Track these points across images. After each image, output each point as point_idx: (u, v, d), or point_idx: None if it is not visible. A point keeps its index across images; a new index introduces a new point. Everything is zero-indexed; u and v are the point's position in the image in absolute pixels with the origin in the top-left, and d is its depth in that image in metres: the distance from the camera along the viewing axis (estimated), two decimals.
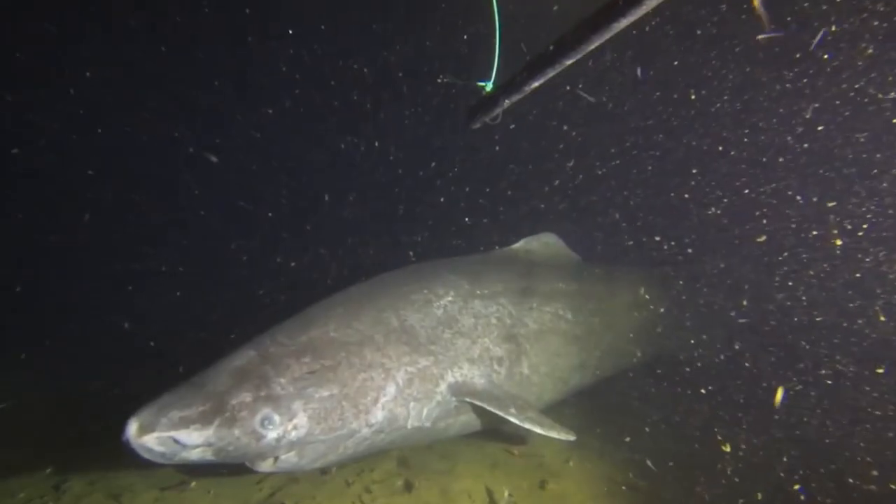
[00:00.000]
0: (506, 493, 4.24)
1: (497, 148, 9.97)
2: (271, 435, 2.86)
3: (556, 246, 4.63)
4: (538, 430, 3.42)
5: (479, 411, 3.55)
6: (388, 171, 10.86)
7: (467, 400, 3.38)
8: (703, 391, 5.71)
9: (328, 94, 10.79)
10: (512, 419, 3.35)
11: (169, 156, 10.69)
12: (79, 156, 10.15)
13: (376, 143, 10.66)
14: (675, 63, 8.39)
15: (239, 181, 11.29)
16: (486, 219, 9.80)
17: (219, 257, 9.98)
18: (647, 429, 5.70)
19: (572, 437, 3.51)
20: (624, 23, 2.13)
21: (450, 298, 3.63)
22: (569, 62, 2.50)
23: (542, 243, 4.56)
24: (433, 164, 10.66)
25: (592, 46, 2.33)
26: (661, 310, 5.31)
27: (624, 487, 4.67)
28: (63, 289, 8.38)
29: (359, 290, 3.63)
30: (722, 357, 5.92)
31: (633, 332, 4.85)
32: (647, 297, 5.20)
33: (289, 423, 2.90)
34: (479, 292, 3.75)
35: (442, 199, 10.10)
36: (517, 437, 5.21)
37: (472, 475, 4.36)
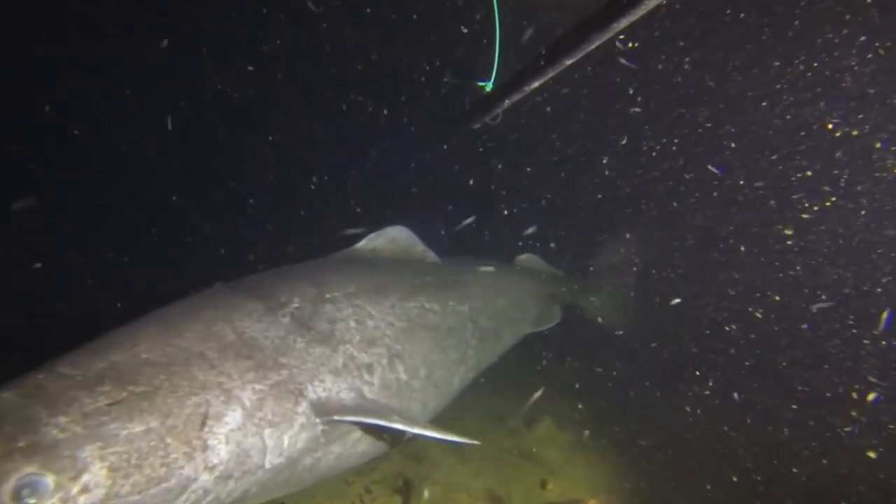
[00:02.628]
0: (507, 493, 4.24)
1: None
2: None
3: (407, 240, 4.11)
4: (433, 434, 2.79)
5: (355, 438, 2.88)
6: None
7: (336, 419, 2.66)
8: None
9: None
10: (399, 427, 2.72)
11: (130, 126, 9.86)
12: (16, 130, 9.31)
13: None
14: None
15: (217, 157, 10.51)
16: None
17: (187, 248, 9.23)
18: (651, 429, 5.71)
19: (476, 443, 2.94)
20: (624, 22, 2.13)
21: (296, 305, 2.98)
22: (569, 62, 2.50)
23: (389, 238, 4.03)
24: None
25: (592, 46, 2.33)
26: (531, 293, 4.97)
27: (624, 487, 4.68)
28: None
29: (175, 307, 2.89)
30: None
31: (504, 317, 4.40)
32: (514, 281, 4.85)
33: (73, 483, 1.89)
34: (328, 296, 3.15)
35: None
36: (515, 438, 5.22)
37: (472, 474, 4.37)
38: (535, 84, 2.83)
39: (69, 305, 6.95)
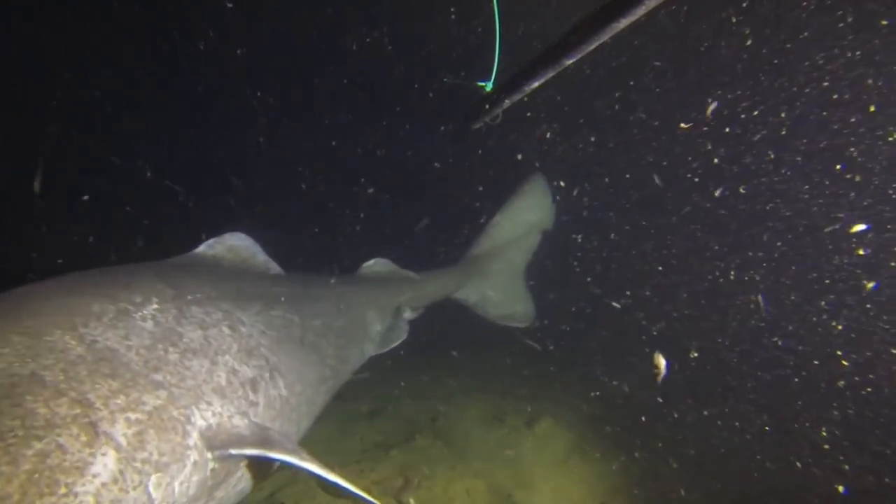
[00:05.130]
0: (506, 493, 4.24)
1: None
2: None
3: (248, 249, 3.71)
4: (347, 484, 2.26)
5: (238, 476, 2.32)
6: None
7: (234, 453, 2.07)
8: None
9: None
10: (314, 470, 2.19)
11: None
12: None
13: None
14: None
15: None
16: None
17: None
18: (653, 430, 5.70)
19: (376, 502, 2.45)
20: (624, 23, 2.13)
21: (155, 306, 2.36)
22: (568, 62, 2.49)
23: (229, 246, 3.62)
24: None
25: (592, 47, 2.32)
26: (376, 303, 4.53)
27: (624, 486, 4.67)
28: None
29: None
30: None
31: (351, 333, 4.08)
32: (356, 297, 4.38)
33: None
34: (190, 297, 2.60)
35: None
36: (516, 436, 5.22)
37: (472, 474, 4.37)
38: (536, 84, 2.83)
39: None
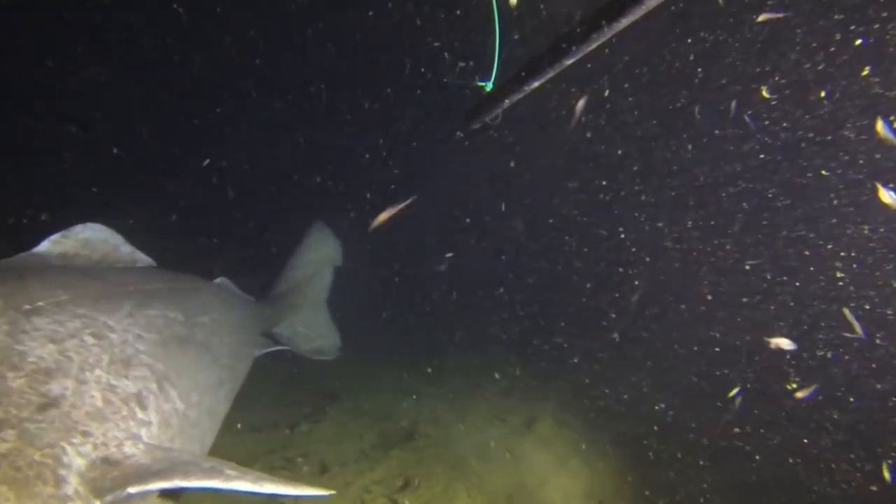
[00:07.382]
0: (506, 493, 4.24)
1: None
2: None
3: (107, 242, 3.27)
4: (288, 490, 1.76)
5: None
6: None
7: (135, 492, 1.66)
8: None
9: None
10: (238, 486, 1.71)
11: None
12: None
13: None
14: None
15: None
16: None
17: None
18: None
19: (332, 492, 1.93)
20: (624, 22, 2.13)
21: None
22: (569, 62, 2.50)
23: (82, 240, 3.14)
24: None
25: (592, 47, 2.33)
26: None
27: (625, 486, 4.67)
28: None
29: None
30: None
31: (239, 335, 3.70)
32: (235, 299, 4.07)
33: None
34: (28, 306, 2.14)
35: None
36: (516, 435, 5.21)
37: (472, 474, 4.36)
38: (536, 84, 2.83)
39: None
